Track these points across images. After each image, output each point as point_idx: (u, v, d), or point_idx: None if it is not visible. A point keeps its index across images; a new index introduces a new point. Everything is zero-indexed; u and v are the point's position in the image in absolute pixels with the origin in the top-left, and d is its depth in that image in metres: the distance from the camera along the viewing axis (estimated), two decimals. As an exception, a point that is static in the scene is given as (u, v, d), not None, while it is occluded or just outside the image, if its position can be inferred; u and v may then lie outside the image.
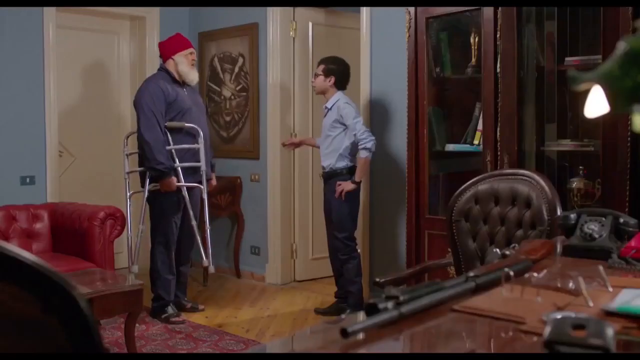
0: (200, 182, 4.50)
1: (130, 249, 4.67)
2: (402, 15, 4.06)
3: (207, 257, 4.49)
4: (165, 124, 4.39)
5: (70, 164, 5.56)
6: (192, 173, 4.49)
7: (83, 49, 5.62)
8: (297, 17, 5.45)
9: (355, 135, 4.34)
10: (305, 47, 5.50)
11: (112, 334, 4.09)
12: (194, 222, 4.46)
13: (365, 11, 4.77)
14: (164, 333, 4.19)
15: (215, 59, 5.90)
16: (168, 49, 4.56)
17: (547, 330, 1.04)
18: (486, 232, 2.77)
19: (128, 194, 4.66)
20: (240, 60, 5.68)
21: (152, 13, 5.82)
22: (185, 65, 4.52)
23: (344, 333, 1.14)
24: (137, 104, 4.44)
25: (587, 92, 1.26)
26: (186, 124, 4.43)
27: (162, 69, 4.57)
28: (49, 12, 5.12)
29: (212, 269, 4.58)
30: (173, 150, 4.40)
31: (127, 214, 4.67)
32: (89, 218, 4.44)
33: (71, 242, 4.54)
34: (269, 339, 4.12)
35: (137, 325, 3.77)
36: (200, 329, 4.28)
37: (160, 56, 4.66)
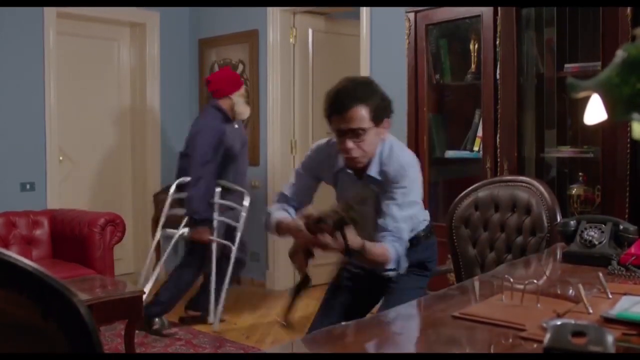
0: (233, 242, 4.41)
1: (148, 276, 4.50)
2: (402, 22, 4.07)
3: (214, 314, 4.39)
4: (218, 182, 4.35)
5: (70, 170, 5.56)
6: (228, 230, 4.44)
7: (83, 55, 5.62)
8: (297, 23, 5.46)
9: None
10: (305, 53, 5.51)
11: (111, 340, 4.08)
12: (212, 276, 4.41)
13: (365, 18, 4.78)
14: (163, 340, 4.19)
15: (216, 66, 5.91)
16: (224, 86, 4.49)
17: (547, 337, 1.04)
18: (486, 239, 2.77)
19: (159, 234, 4.53)
20: (241, 66, 5.69)
21: (152, 20, 5.83)
22: (242, 105, 4.54)
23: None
24: (192, 148, 4.34)
25: (586, 99, 1.27)
26: (238, 188, 4.40)
27: (214, 107, 4.48)
28: (50, 18, 5.13)
29: (215, 327, 4.38)
30: (215, 204, 4.35)
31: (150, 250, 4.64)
32: (89, 224, 4.44)
33: (71, 249, 4.53)
34: (269, 345, 4.11)
35: (137, 331, 3.77)
36: (200, 335, 4.27)
37: (211, 92, 4.55)
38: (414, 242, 2.50)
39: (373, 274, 2.47)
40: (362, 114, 2.24)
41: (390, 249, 2.22)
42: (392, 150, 2.37)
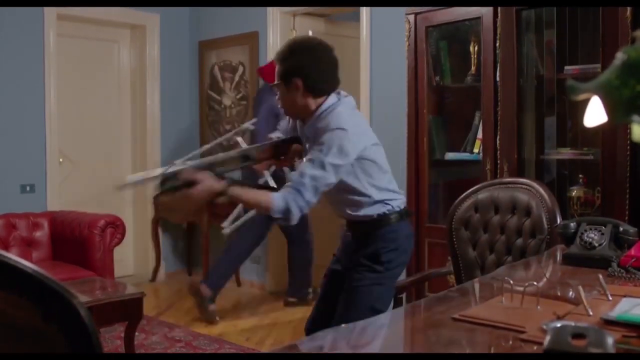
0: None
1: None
2: (402, 24, 4.07)
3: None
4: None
5: (70, 171, 5.56)
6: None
7: (83, 57, 5.63)
8: (297, 26, 5.46)
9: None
10: (305, 55, 5.51)
11: (111, 342, 4.08)
12: None
13: (365, 20, 4.78)
14: (163, 342, 4.18)
15: (216, 68, 5.92)
16: (269, 76, 4.63)
17: (547, 339, 1.04)
18: (486, 241, 2.77)
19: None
20: (241, 68, 5.69)
21: (152, 22, 5.84)
22: None
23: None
24: (259, 112, 4.67)
25: (586, 100, 1.27)
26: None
27: (268, 88, 4.69)
28: (50, 20, 5.14)
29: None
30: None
31: None
32: (89, 226, 4.44)
33: (71, 251, 4.54)
34: (268, 347, 4.11)
35: (136, 333, 3.76)
36: (200, 337, 4.27)
37: (263, 78, 4.87)
38: (379, 222, 2.50)
39: (350, 257, 2.55)
40: (277, 71, 2.46)
41: (276, 198, 2.27)
42: (332, 111, 2.41)
